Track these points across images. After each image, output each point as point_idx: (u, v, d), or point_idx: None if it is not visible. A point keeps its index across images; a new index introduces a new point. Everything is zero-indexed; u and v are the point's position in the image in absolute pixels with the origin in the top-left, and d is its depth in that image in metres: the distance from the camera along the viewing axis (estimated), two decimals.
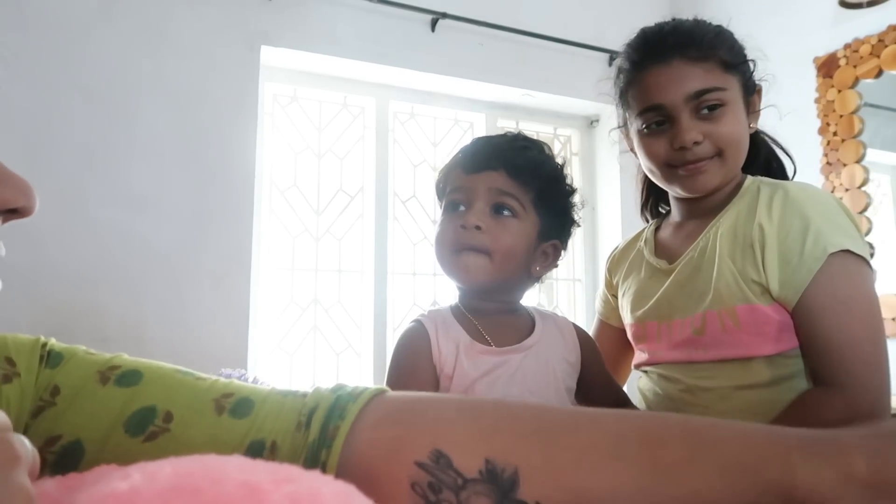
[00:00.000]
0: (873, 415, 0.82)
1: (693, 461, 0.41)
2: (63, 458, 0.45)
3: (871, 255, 1.90)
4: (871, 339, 0.84)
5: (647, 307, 1.02)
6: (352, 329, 2.29)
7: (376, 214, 2.34)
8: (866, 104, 2.02)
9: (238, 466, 0.31)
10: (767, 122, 1.04)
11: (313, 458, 0.46)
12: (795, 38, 2.18)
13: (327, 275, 2.27)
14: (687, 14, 1.01)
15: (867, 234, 1.94)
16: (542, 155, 0.92)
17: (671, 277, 0.99)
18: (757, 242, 0.88)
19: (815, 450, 0.39)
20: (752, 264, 0.89)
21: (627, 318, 1.07)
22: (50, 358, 0.49)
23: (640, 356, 1.06)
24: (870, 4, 2.00)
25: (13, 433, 0.27)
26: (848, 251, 0.84)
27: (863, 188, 1.98)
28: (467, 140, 0.96)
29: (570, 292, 2.68)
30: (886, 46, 1.96)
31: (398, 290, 2.36)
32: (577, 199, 0.94)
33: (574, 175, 2.70)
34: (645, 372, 1.05)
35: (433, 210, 2.40)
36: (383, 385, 0.53)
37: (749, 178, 0.98)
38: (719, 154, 0.92)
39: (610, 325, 1.17)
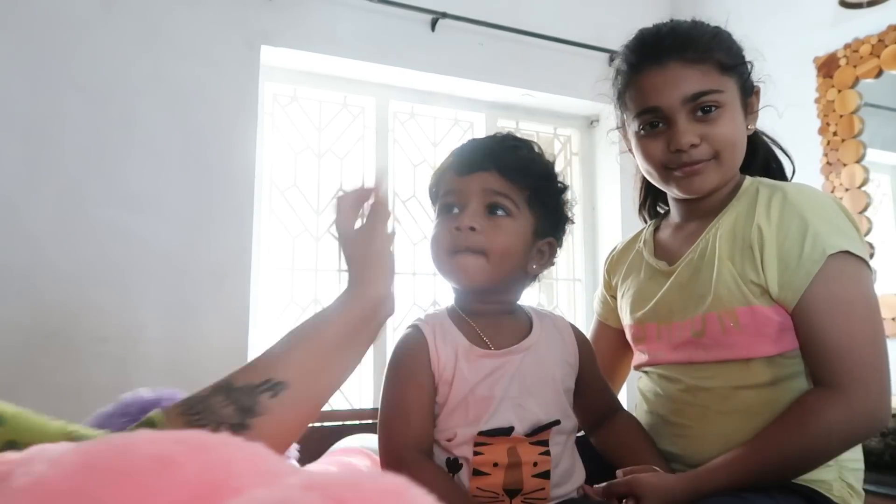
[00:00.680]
0: (873, 415, 0.83)
1: None
2: None
3: (871, 256, 1.91)
4: (871, 340, 0.84)
5: (646, 309, 1.02)
6: None
7: None
8: (866, 104, 2.01)
9: (148, 439, 0.30)
10: (767, 123, 1.03)
11: None
12: (795, 37, 2.18)
13: (327, 275, 2.27)
14: (687, 14, 1.00)
15: (867, 234, 1.94)
16: (533, 153, 0.92)
17: (671, 279, 0.99)
18: (756, 244, 0.88)
19: None
20: (751, 266, 0.89)
21: (627, 320, 1.07)
22: None
23: (639, 357, 1.06)
24: (870, 4, 2.00)
25: None
26: (847, 252, 0.84)
27: (863, 188, 1.97)
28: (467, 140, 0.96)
29: (569, 292, 2.67)
30: (886, 46, 1.95)
31: (398, 290, 2.34)
32: (569, 195, 0.95)
33: (574, 175, 2.72)
34: (645, 372, 1.05)
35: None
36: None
37: (748, 179, 0.97)
38: (716, 156, 0.92)
39: (608, 326, 1.17)
